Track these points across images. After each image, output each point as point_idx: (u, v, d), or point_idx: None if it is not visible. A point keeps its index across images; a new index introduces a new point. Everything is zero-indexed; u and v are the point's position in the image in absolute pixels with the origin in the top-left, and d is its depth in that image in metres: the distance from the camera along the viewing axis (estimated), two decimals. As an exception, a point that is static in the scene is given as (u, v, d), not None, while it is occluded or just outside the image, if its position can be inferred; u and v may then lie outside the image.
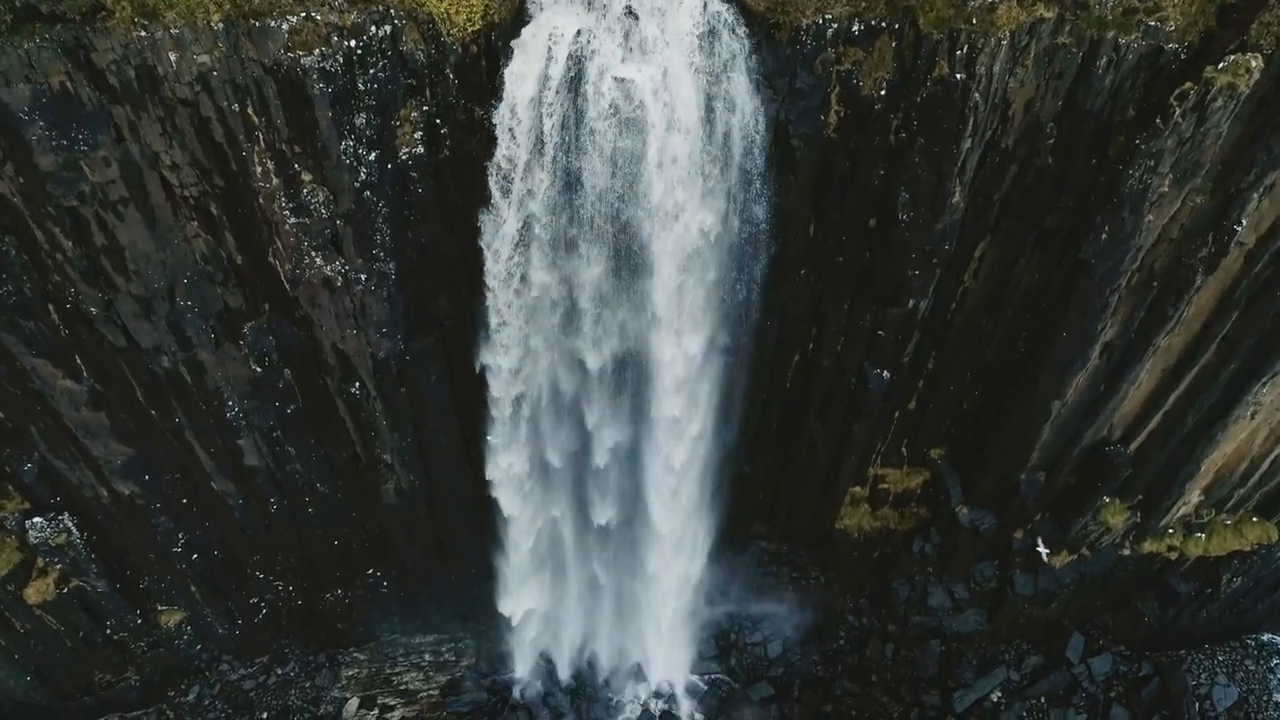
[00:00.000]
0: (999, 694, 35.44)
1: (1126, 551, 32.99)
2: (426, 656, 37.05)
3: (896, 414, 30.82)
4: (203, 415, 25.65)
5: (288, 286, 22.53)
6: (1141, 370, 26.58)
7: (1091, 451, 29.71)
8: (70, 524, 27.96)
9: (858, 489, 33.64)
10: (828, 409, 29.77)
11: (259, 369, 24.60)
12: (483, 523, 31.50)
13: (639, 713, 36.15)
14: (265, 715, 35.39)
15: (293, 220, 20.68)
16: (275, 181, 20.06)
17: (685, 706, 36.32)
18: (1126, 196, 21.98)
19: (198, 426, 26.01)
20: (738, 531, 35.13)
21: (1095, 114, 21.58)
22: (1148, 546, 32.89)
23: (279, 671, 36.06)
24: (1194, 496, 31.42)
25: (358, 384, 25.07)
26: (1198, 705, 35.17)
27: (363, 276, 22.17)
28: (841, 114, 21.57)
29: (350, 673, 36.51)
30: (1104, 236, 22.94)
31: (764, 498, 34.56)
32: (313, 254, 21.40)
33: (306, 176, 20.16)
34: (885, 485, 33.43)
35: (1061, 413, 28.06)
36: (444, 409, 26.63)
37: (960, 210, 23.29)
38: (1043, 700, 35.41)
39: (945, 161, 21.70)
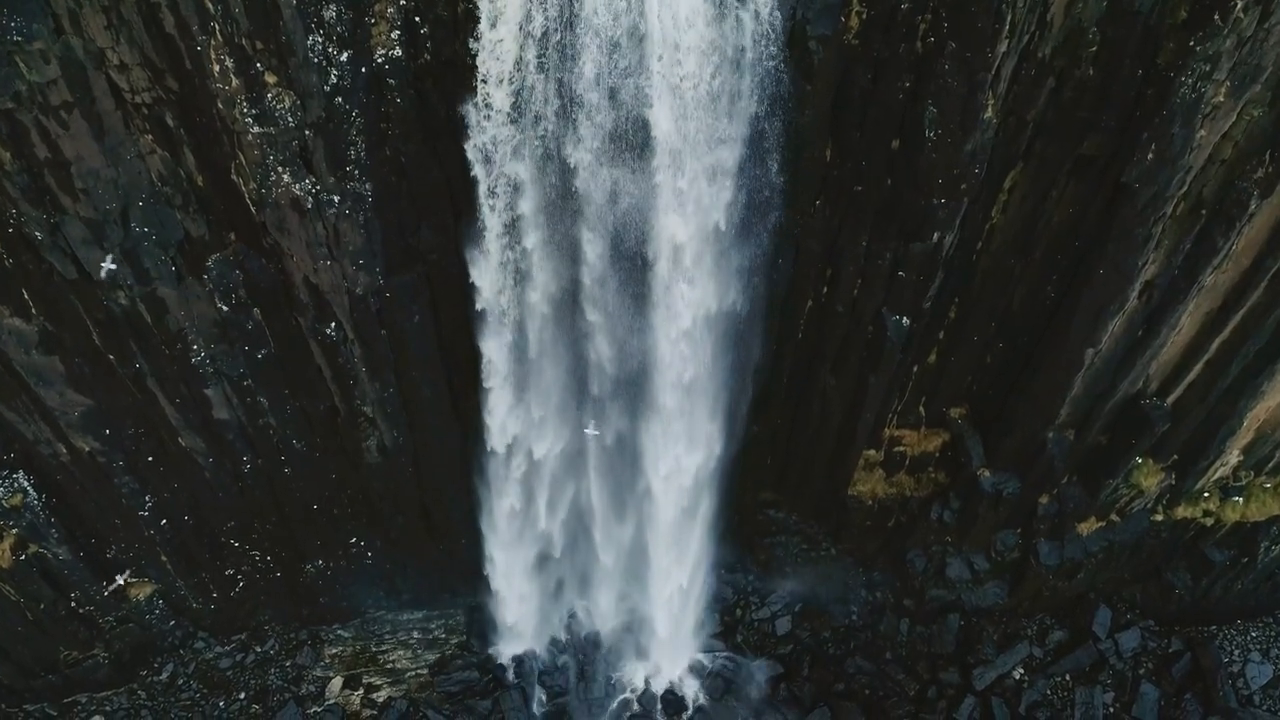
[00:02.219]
0: (1021, 671, 33.44)
1: (1159, 517, 30.98)
2: (415, 634, 35.04)
3: (915, 368, 28.80)
4: (165, 360, 23.60)
5: (253, 209, 20.46)
6: (1184, 312, 24.58)
7: (1125, 406, 27.71)
8: (26, 483, 26.04)
9: (872, 452, 31.62)
10: (842, 361, 27.76)
11: (225, 307, 22.55)
12: (471, 487, 29.48)
13: (640, 692, 34.13)
14: (243, 695, 33.38)
15: (256, 130, 18.60)
16: (235, 83, 17.98)
17: (689, 685, 34.32)
18: (1177, 108, 19.94)
19: (160, 374, 23.96)
20: (745, 499, 33.13)
21: (1143, 16, 19.54)
22: (1181, 511, 30.89)
23: (258, 649, 34.05)
24: (1233, 456, 29.42)
25: (333, 324, 23.02)
26: (1231, 683, 33.16)
27: (335, 198, 20.11)
28: (864, 15, 19.55)
29: (334, 651, 34.50)
30: (1150, 156, 20.90)
31: (772, 462, 32.56)
32: (279, 170, 19.34)
33: (270, 78, 18.10)
34: (901, 448, 31.41)
35: (1095, 362, 26.03)
36: (428, 355, 24.58)
37: (993, 128, 21.24)
38: (1067, 678, 33.43)
39: (978, 69, 19.65)
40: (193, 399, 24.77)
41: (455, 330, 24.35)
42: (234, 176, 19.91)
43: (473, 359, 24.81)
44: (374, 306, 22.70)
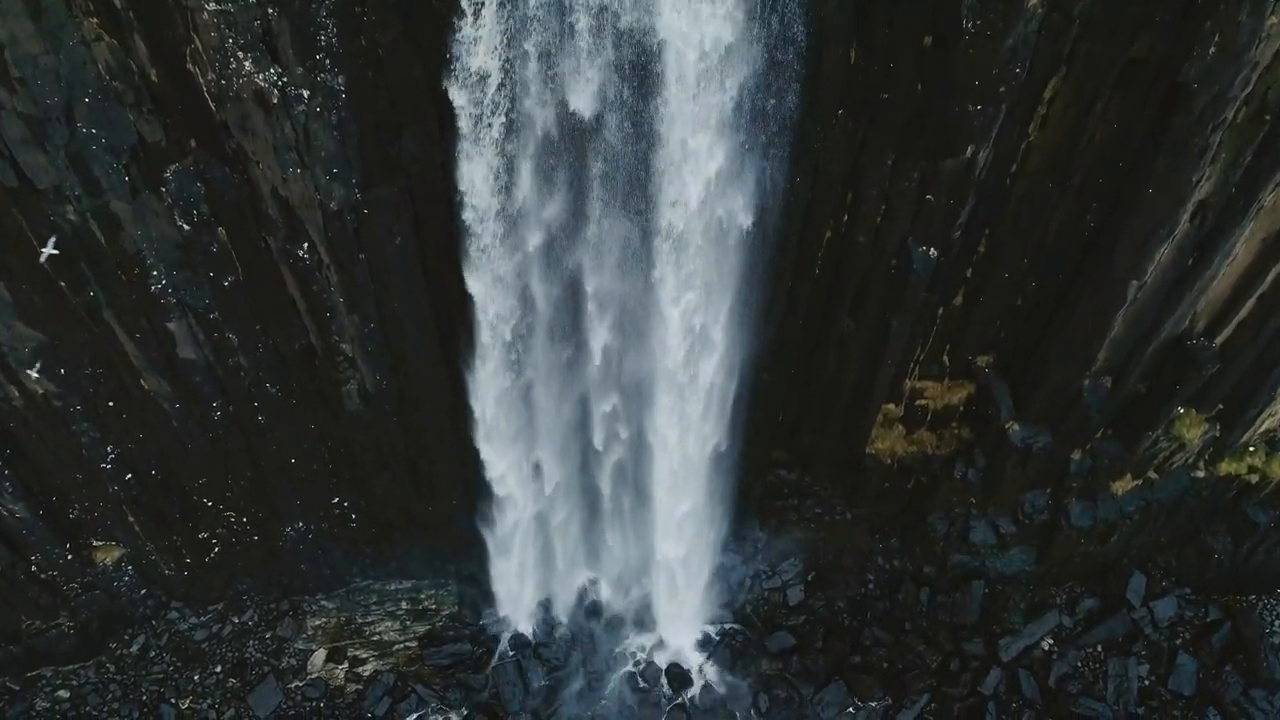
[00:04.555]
0: (1050, 641, 31.38)
1: (1200, 473, 28.93)
2: (403, 604, 32.93)
3: (940, 311, 26.68)
4: (122, 288, 21.45)
5: (213, 106, 18.32)
6: (1239, 237, 22.50)
7: (1169, 349, 25.62)
8: (-25, 430, 23.90)
9: (891, 406, 29.49)
10: (862, 301, 25.67)
11: (186, 226, 20.40)
12: (461, 440, 27.35)
13: (643, 666, 32.03)
14: (220, 669, 31.28)
15: (212, 7, 16.49)
16: (186, -52, 15.90)
17: (695, 659, 32.23)
18: (1246, -10, 17.87)
19: (118, 304, 21.81)
20: (754, 458, 31.01)
21: (1209, -115, 17.50)
22: (1225, 467, 28.83)
23: (235, 620, 31.94)
24: (1281, 406, 27.41)
25: (306, 245, 20.89)
26: (1274, 655, 31.06)
27: (305, 93, 17.97)
28: (896, -117, 17.48)
29: (317, 622, 32.39)
30: (1212, 50, 18.79)
31: (784, 418, 30.47)
32: (240, 56, 17.21)
33: (226, -57, 16.01)
34: (923, 401, 29.26)
35: (1139, 297, 23.94)
36: (412, 284, 22.43)
37: (1037, 20, 19.12)
38: (1099, 649, 31.33)
39: (1024, -55, 17.59)
40: (154, 334, 22.63)
41: (441, 257, 22.20)
42: (190, 66, 17.75)
43: (461, 290, 22.67)
44: (350, 225, 20.55)
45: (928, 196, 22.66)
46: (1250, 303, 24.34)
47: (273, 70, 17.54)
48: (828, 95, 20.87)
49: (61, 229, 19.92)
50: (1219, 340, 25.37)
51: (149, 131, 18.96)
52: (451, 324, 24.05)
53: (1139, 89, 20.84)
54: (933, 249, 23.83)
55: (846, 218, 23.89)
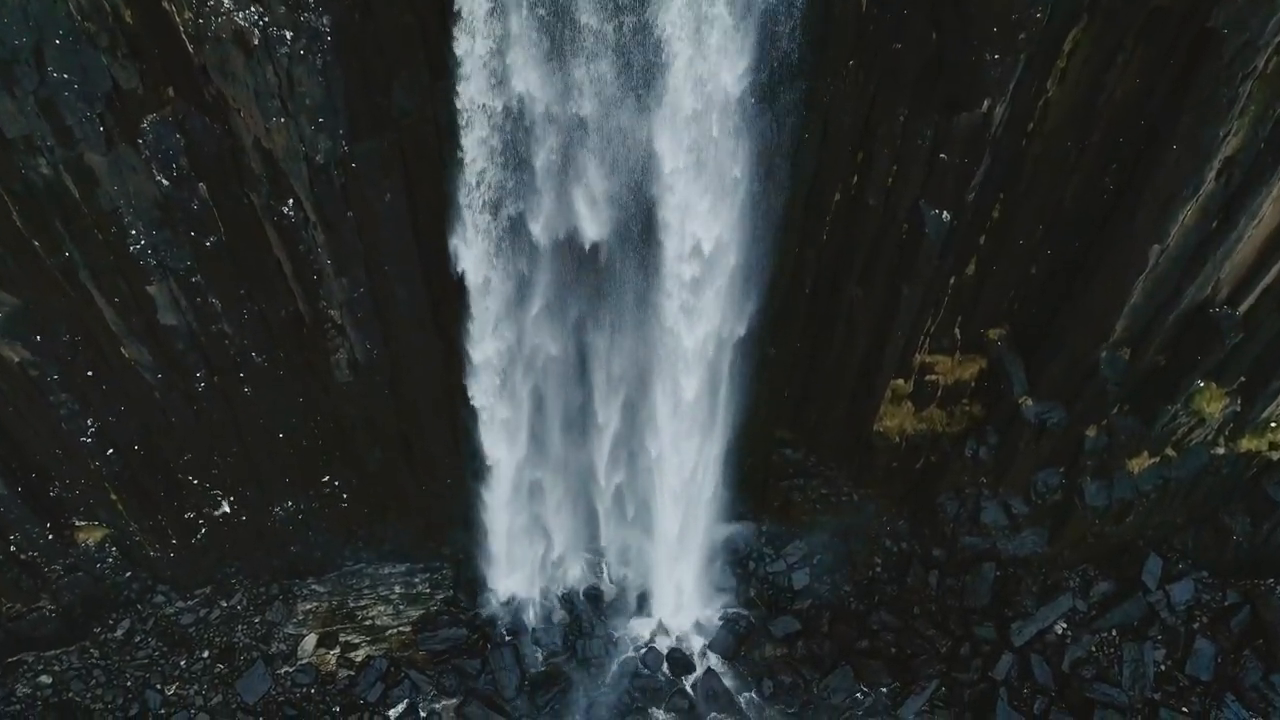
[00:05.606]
0: (1064, 626, 30.39)
1: (1220, 450, 27.96)
2: (397, 588, 31.95)
3: (951, 281, 25.75)
4: (99, 248, 20.48)
5: (191, 48, 17.37)
6: (1267, 197, 21.55)
7: (1190, 318, 24.67)
8: (-52, 400, 22.93)
9: (900, 382, 28.56)
10: (872, 269, 24.75)
11: (166, 181, 19.44)
12: (455, 416, 26.42)
13: (643, 651, 31.04)
14: (207, 654, 30.29)
15: (188, -63, 15.58)
16: None
17: (696, 644, 31.26)
18: (1282, -76, 16.97)
19: (95, 266, 20.83)
20: (759, 437, 30.07)
21: None
22: (1245, 444, 27.90)
23: (223, 605, 30.93)
24: (1305, 379, 26.43)
25: (291, 201, 19.92)
26: (1292, 641, 30.15)
27: (288, 34, 17.04)
28: None
29: (307, 606, 31.42)
30: (1245, -9, 17.93)
31: (790, 394, 29.52)
32: (218, -8, 16.30)
33: None
34: (933, 376, 28.33)
35: (1160, 263, 23.03)
36: (402, 245, 21.48)
37: (1059, -40, 18.24)
38: (1114, 633, 30.37)
39: (1048, -125, 16.66)
40: (134, 298, 21.66)
41: (433, 218, 21.25)
42: (166, 4, 16.82)
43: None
44: (338, 180, 19.61)
45: (941, 155, 21.73)
46: (1277, 268, 23.40)
47: (253, 8, 16.63)
48: (837, 44, 19.93)
49: (33, 183, 18.94)
50: (1242, 309, 24.43)
51: (124, 77, 18.00)
52: (444, 290, 23.11)
53: (1163, 40, 19.99)
54: (945, 212, 22.88)
55: (856, 179, 22.97)
